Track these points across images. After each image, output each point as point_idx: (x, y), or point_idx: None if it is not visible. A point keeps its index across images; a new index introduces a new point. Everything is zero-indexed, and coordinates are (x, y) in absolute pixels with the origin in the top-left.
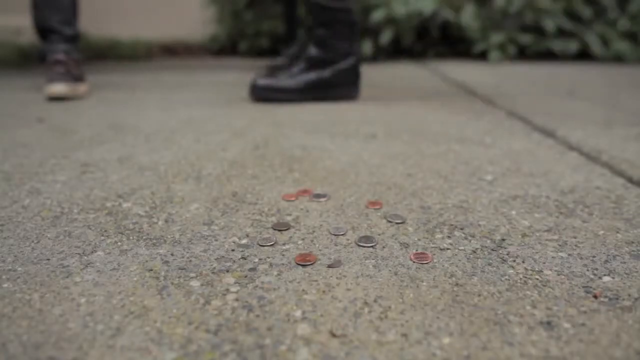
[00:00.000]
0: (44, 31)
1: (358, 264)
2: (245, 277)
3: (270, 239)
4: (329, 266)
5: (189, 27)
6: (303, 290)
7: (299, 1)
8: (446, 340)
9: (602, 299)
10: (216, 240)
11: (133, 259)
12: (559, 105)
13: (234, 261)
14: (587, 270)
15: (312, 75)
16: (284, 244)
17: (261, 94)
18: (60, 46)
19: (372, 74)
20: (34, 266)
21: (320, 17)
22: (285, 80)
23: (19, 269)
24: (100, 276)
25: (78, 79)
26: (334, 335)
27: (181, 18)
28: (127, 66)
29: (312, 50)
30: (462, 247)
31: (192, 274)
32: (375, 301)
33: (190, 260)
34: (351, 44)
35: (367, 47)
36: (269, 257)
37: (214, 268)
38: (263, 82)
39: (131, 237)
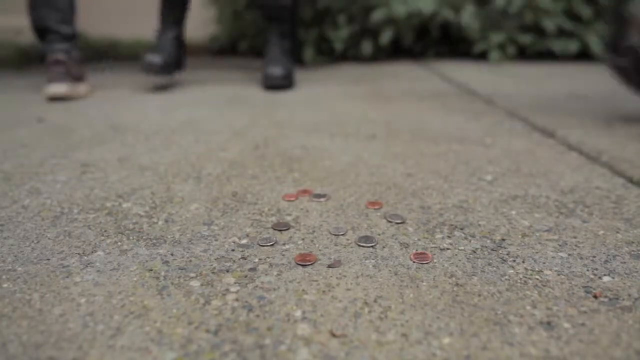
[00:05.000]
0: (41, 31)
1: (358, 264)
2: (245, 277)
3: (270, 239)
4: (329, 266)
5: (189, 27)
6: (303, 290)
7: (299, 1)
8: (446, 340)
9: (602, 299)
10: (216, 240)
11: (133, 259)
12: (559, 105)
13: (234, 261)
14: (587, 270)
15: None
16: (284, 244)
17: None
18: (60, 46)
19: (372, 74)
20: (34, 266)
21: None
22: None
23: (19, 269)
24: (100, 276)
25: (78, 78)
26: (334, 335)
27: None
28: (127, 66)
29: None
30: (462, 247)
31: (192, 274)
32: (375, 301)
33: (190, 260)
34: None
35: (367, 47)
36: (269, 257)
37: (214, 268)
38: (157, 59)
39: (131, 237)
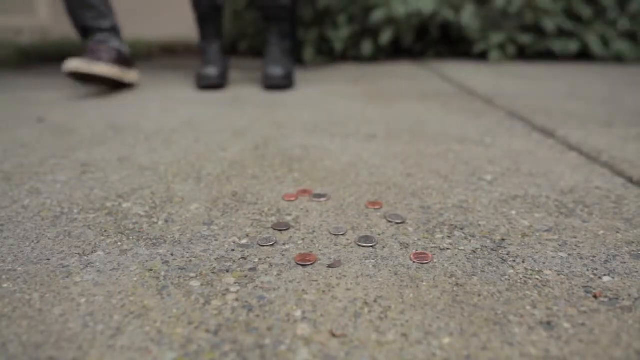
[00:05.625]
0: (83, 30)
1: (358, 264)
2: (245, 277)
3: (270, 239)
4: (329, 266)
5: (189, 27)
6: (303, 290)
7: (299, 1)
8: (446, 340)
9: (602, 299)
10: (216, 240)
11: (133, 259)
12: (559, 105)
13: (234, 261)
14: (587, 270)
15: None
16: (284, 244)
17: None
18: (97, 36)
19: (372, 74)
20: (34, 266)
21: None
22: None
23: (19, 269)
24: (100, 276)
25: (102, 59)
26: (334, 335)
27: (181, 18)
28: None
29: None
30: (462, 247)
31: (192, 274)
32: (375, 301)
33: (190, 260)
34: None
35: (367, 47)
36: (269, 257)
37: (214, 268)
38: (214, 71)
39: (131, 237)
